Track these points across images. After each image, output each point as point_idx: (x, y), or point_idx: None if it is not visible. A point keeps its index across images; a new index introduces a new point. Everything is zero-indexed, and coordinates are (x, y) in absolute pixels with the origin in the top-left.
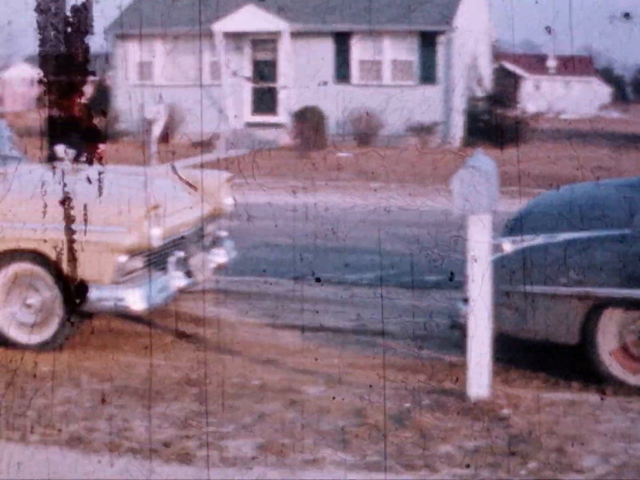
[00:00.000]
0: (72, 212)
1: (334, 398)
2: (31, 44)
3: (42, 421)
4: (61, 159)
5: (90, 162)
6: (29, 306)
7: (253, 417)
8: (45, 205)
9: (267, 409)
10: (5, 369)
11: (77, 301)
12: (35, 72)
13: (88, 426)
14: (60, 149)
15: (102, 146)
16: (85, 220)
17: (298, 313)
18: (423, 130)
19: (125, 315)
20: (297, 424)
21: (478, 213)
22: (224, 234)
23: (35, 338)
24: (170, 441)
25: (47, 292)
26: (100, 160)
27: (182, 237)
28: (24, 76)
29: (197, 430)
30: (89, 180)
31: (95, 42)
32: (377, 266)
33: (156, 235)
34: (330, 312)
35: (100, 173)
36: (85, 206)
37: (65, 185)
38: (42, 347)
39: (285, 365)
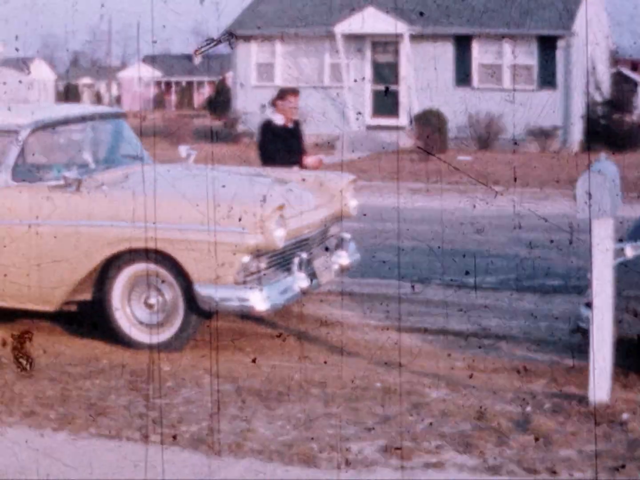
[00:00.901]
0: (195, 212)
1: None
2: (149, 44)
3: (163, 421)
4: (184, 159)
5: None
6: (150, 306)
7: (375, 420)
8: (168, 205)
9: (390, 411)
10: (127, 369)
11: (199, 301)
12: (153, 73)
13: (209, 427)
14: (183, 149)
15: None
16: (209, 220)
17: (420, 316)
18: (543, 135)
19: (248, 316)
20: (420, 427)
21: (602, 217)
22: (347, 235)
23: (157, 338)
24: (293, 443)
25: (169, 292)
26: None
27: (306, 239)
28: (142, 76)
29: (319, 432)
30: (211, 180)
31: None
32: (499, 270)
33: (280, 236)
34: (451, 315)
35: (223, 174)
36: (208, 206)
37: (187, 185)
38: (164, 347)
39: (408, 368)
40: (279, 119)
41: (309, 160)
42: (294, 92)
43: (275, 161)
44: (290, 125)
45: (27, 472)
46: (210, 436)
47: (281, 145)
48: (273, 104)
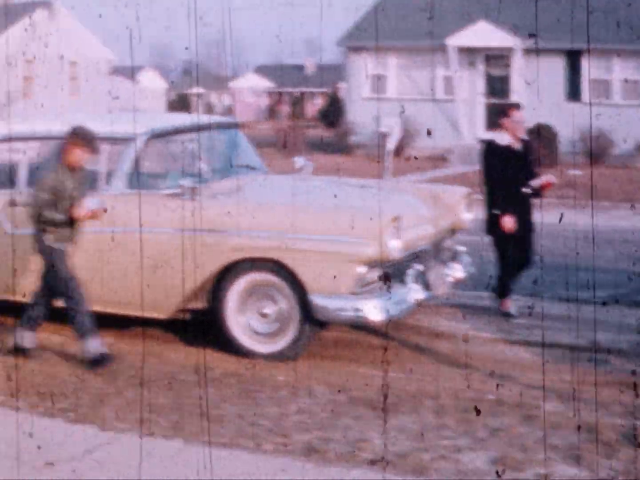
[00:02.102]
0: (311, 222)
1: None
2: (261, 54)
3: (276, 430)
4: (299, 170)
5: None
6: (264, 316)
7: (488, 431)
8: (284, 215)
9: (502, 423)
10: (240, 378)
11: (314, 311)
12: (265, 83)
13: (322, 436)
14: (298, 161)
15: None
16: (325, 231)
17: (531, 329)
18: None
19: (361, 326)
20: (531, 439)
21: None
22: (462, 248)
23: (271, 347)
24: (406, 453)
25: (284, 302)
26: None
27: (421, 250)
28: (254, 86)
29: (431, 442)
30: (326, 191)
31: (328, 54)
32: (610, 284)
33: (396, 247)
34: (563, 329)
35: (338, 185)
36: (324, 216)
37: (303, 195)
38: (278, 356)
39: (519, 380)
40: (503, 139)
41: (537, 182)
42: (518, 107)
43: (498, 186)
44: (516, 145)
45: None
46: (323, 445)
47: (505, 169)
48: (499, 123)
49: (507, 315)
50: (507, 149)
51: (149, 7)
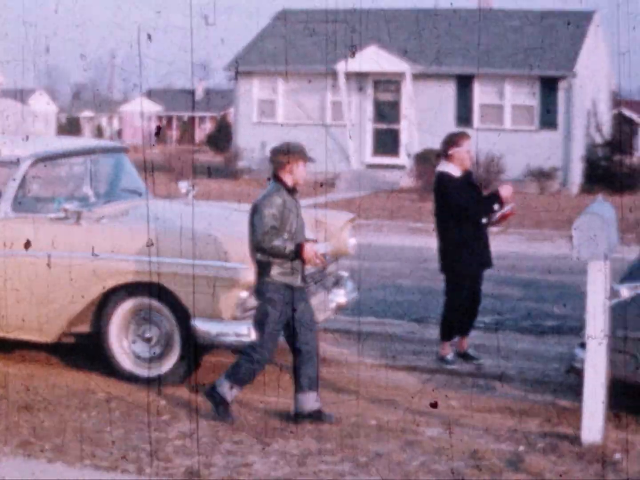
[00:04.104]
0: (193, 247)
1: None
2: (151, 78)
3: (158, 455)
4: (184, 195)
5: None
6: (147, 340)
7: (369, 456)
8: (166, 239)
9: (384, 448)
10: (123, 402)
11: (196, 336)
12: (155, 107)
13: (204, 461)
14: (183, 185)
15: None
16: (207, 255)
17: (416, 354)
18: (542, 175)
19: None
20: (413, 464)
21: (598, 259)
22: (345, 274)
23: (153, 372)
24: (287, 478)
25: (166, 326)
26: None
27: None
28: (143, 110)
29: (313, 467)
30: (210, 216)
31: (217, 79)
32: (495, 310)
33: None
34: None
35: (222, 210)
36: (206, 241)
37: (186, 220)
38: (160, 380)
39: (402, 406)
40: (455, 170)
41: (498, 213)
42: (468, 136)
43: (474, 217)
44: (463, 175)
45: None
46: (205, 470)
47: (464, 201)
48: (445, 153)
49: (443, 360)
50: (462, 180)
51: (38, 28)
